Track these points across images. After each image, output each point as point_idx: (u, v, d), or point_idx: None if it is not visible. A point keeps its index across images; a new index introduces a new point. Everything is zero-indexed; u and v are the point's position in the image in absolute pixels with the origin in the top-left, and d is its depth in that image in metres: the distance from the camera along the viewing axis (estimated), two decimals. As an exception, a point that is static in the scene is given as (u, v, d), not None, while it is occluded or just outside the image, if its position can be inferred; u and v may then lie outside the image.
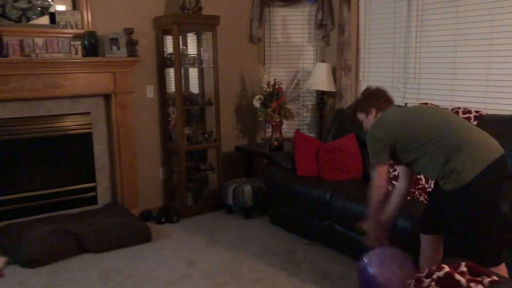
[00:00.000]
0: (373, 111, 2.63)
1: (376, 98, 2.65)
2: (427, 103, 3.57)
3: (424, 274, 1.91)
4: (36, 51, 3.64)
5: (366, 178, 3.73)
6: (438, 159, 2.28)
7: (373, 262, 2.49)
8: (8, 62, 3.50)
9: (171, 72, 4.38)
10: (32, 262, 3.27)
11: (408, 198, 2.99)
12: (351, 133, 3.93)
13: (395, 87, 4.15)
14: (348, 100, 4.42)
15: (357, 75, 4.51)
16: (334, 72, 4.55)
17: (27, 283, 3.06)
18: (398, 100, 4.10)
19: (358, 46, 4.47)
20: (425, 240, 2.53)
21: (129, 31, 4.03)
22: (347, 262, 3.30)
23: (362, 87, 4.48)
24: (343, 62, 4.42)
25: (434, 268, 1.83)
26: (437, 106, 3.41)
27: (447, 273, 1.74)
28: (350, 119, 2.77)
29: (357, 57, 4.49)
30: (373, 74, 4.39)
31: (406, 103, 3.99)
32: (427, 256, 2.51)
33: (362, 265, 2.55)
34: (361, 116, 2.71)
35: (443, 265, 1.80)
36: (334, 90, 4.53)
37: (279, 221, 4.02)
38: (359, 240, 3.16)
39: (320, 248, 3.55)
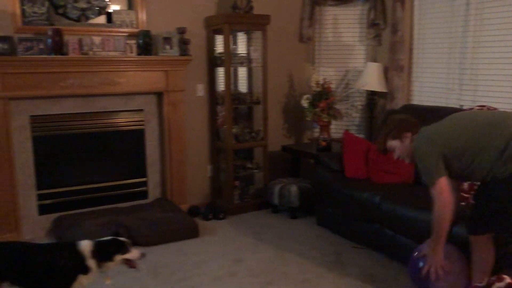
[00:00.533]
0: (408, 135, 2.57)
1: (408, 122, 2.63)
2: (484, 106, 3.43)
3: (483, 284, 1.84)
4: (93, 49, 3.78)
5: (417, 182, 3.65)
6: (494, 151, 2.27)
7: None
8: (68, 60, 3.66)
9: (220, 71, 4.42)
10: (85, 252, 3.40)
11: (463, 203, 2.89)
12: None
13: (450, 88, 4.01)
14: (400, 101, 4.32)
15: (409, 76, 4.39)
16: (385, 72, 4.45)
17: (81, 273, 3.18)
18: (453, 102, 3.97)
19: (411, 46, 4.35)
20: (476, 241, 2.44)
21: (181, 31, 4.11)
22: (396, 267, 3.22)
23: (415, 87, 4.37)
24: (396, 62, 4.31)
25: (493, 278, 1.76)
26: (494, 109, 3.28)
27: (509, 284, 1.66)
28: (381, 151, 2.69)
29: (410, 57, 4.37)
30: (426, 74, 4.26)
31: (461, 105, 3.85)
32: (479, 258, 2.42)
33: (413, 257, 2.50)
34: (394, 143, 2.62)
35: (504, 276, 1.73)
36: (385, 91, 4.43)
37: (326, 223, 3.98)
38: (409, 245, 3.09)
39: (367, 251, 3.49)
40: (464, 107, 3.73)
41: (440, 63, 4.10)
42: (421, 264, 2.44)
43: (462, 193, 3.15)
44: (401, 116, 2.70)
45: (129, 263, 2.44)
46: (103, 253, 2.36)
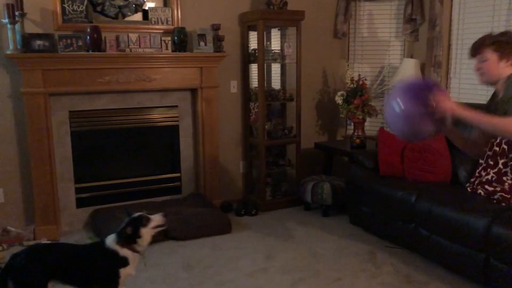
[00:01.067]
0: (507, 58, 2.13)
1: None
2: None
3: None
4: (130, 46, 3.84)
5: (455, 181, 3.56)
6: None
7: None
8: (106, 57, 3.74)
9: (254, 68, 4.42)
10: (121, 245, 3.47)
11: (503, 204, 2.78)
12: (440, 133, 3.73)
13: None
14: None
15: (447, 72, 4.28)
16: (422, 68, 4.35)
17: (117, 265, 3.25)
18: (493, 99, 3.84)
19: (449, 42, 4.24)
20: None
21: (216, 27, 4.13)
22: (431, 268, 3.15)
23: (453, 84, 4.25)
24: (433, 58, 4.21)
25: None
26: None
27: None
28: (471, 51, 2.25)
29: (448, 53, 4.26)
30: (465, 71, 4.14)
31: (502, 103, 3.72)
32: None
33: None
34: (490, 55, 2.16)
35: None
36: (422, 88, 4.32)
37: (359, 221, 3.93)
38: (445, 245, 3.02)
39: (402, 251, 3.43)
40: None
41: (480, 59, 3.97)
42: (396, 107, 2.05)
43: (503, 193, 3.06)
44: None
45: (158, 228, 2.43)
46: (128, 237, 2.36)
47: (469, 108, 1.98)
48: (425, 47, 4.29)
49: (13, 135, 3.72)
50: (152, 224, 2.40)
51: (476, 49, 2.22)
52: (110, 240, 2.39)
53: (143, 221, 2.39)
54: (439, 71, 4.21)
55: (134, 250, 2.39)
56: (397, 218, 3.44)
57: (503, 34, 2.23)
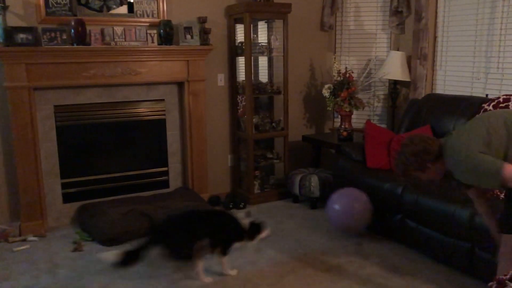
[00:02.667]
0: (429, 164, 2.33)
1: (424, 152, 2.33)
2: (511, 95, 3.34)
3: (508, 276, 1.80)
4: (115, 39, 3.80)
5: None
6: None
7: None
8: (90, 50, 3.69)
9: (241, 61, 4.41)
10: (109, 240, 3.46)
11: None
12: (426, 125, 3.78)
13: (475, 77, 3.93)
14: (423, 90, 4.24)
15: (433, 64, 4.31)
16: (408, 60, 4.37)
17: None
18: (478, 91, 3.88)
19: (435, 34, 4.26)
20: (508, 238, 2.37)
21: (202, 20, 4.10)
22: (418, 258, 3.19)
23: (439, 76, 4.28)
24: (419, 50, 4.23)
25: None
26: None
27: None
28: (411, 181, 2.54)
29: (434, 45, 4.28)
30: (451, 63, 4.17)
31: (486, 95, 3.76)
32: (508, 251, 2.35)
33: None
34: (418, 174, 2.40)
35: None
36: (408, 80, 4.36)
37: (347, 213, 3.95)
38: (431, 236, 3.06)
39: (389, 242, 3.46)
40: (490, 96, 3.64)
41: (465, 51, 4.01)
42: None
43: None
44: (416, 146, 2.35)
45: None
46: (251, 232, 2.96)
47: None
48: (411, 39, 4.32)
49: (-3, 130, 3.67)
50: (263, 235, 3.02)
51: (407, 177, 2.46)
52: (246, 223, 2.98)
53: (261, 230, 3.02)
54: (425, 64, 4.24)
55: (247, 240, 2.98)
56: (384, 210, 3.48)
57: (405, 154, 2.38)
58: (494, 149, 2.18)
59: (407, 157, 2.36)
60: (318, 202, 4.26)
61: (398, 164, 2.43)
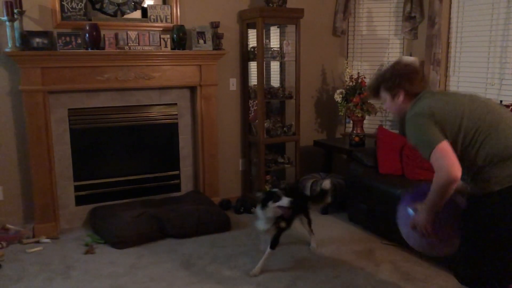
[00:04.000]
0: (401, 94, 2.20)
1: (408, 79, 2.20)
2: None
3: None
4: (129, 44, 3.84)
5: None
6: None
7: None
8: (104, 54, 3.73)
9: (253, 66, 4.42)
10: (120, 243, 3.48)
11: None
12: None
13: (489, 83, 3.89)
14: (436, 96, 4.21)
15: (446, 70, 4.28)
16: (421, 66, 4.35)
17: (117, 263, 3.26)
18: (492, 97, 3.84)
19: (449, 40, 4.24)
20: None
21: (215, 25, 4.12)
22: (430, 266, 3.16)
23: (452, 82, 4.25)
24: (432, 56, 4.20)
25: None
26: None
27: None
28: (371, 95, 2.35)
29: (448, 51, 4.26)
30: (464, 69, 4.14)
31: (501, 101, 3.72)
32: None
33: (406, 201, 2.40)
34: (385, 95, 2.28)
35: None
36: (421, 86, 4.33)
37: (358, 219, 3.94)
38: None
39: (401, 249, 3.43)
40: (504, 103, 3.61)
41: (479, 56, 3.97)
42: (410, 212, 2.28)
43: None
44: (407, 69, 2.24)
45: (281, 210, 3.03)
46: (264, 201, 3.05)
47: (425, 202, 2.16)
48: (424, 45, 4.29)
49: (12, 133, 3.71)
50: (279, 203, 3.02)
51: (375, 94, 2.34)
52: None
53: (275, 198, 3.04)
54: (438, 69, 4.21)
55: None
56: (396, 216, 3.44)
57: (391, 69, 2.28)
58: (448, 129, 2.06)
59: (392, 72, 2.24)
60: (329, 207, 4.25)
61: (377, 76, 2.32)
